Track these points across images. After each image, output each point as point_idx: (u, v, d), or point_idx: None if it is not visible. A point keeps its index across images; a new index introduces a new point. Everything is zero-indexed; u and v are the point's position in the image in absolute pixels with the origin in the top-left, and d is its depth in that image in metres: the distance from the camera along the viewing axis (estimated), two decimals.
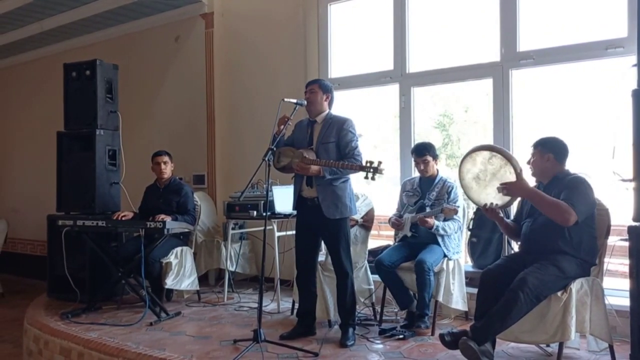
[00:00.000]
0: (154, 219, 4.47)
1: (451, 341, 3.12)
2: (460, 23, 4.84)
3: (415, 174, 4.33)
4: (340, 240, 3.63)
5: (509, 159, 3.15)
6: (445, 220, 3.91)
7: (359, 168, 3.39)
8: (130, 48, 6.61)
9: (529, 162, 3.31)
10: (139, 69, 6.49)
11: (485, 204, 3.26)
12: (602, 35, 3.96)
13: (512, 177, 3.15)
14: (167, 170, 4.97)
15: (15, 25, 6.71)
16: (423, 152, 4.03)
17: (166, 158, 4.97)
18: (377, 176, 3.29)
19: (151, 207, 4.86)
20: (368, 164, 3.31)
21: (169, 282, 4.66)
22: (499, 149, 3.27)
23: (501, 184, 3.13)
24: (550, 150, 3.23)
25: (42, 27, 6.65)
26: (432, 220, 3.85)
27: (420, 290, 3.76)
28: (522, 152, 4.27)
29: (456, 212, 3.84)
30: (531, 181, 3.30)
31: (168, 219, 4.49)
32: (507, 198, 3.20)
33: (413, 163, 4.28)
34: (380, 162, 3.28)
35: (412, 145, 4.48)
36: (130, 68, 6.15)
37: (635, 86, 2.91)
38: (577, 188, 3.10)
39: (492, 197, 3.24)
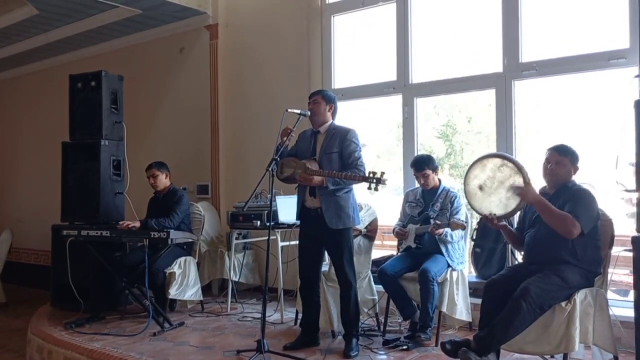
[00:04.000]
0: (119, 226, 4.60)
1: (452, 350, 3.11)
2: (463, 34, 4.86)
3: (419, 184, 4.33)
4: (343, 251, 3.63)
5: (520, 169, 3.14)
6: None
7: (362, 179, 3.40)
8: (136, 59, 6.66)
9: (549, 166, 3.25)
10: (144, 80, 6.53)
11: (489, 214, 3.25)
12: (605, 47, 3.97)
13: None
14: (159, 182, 4.95)
15: (22, 37, 6.78)
16: (422, 166, 4.02)
17: (155, 172, 4.93)
18: (380, 187, 3.29)
19: (153, 216, 4.86)
20: (371, 175, 3.32)
21: (173, 293, 4.66)
22: (511, 158, 3.28)
23: (513, 186, 3.11)
24: (576, 162, 3.24)
25: (49, 38, 6.71)
26: (441, 229, 3.85)
27: (424, 300, 3.74)
28: (526, 161, 4.28)
29: (464, 227, 3.84)
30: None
31: (137, 224, 4.57)
32: (510, 208, 3.18)
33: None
34: (383, 173, 3.29)
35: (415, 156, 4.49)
36: (136, 79, 6.19)
37: (638, 97, 2.92)
38: (581, 200, 3.11)
39: (495, 205, 3.22)
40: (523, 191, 3.09)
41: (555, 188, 3.26)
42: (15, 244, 6.96)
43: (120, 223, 4.70)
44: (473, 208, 3.38)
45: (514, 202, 3.15)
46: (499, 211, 3.21)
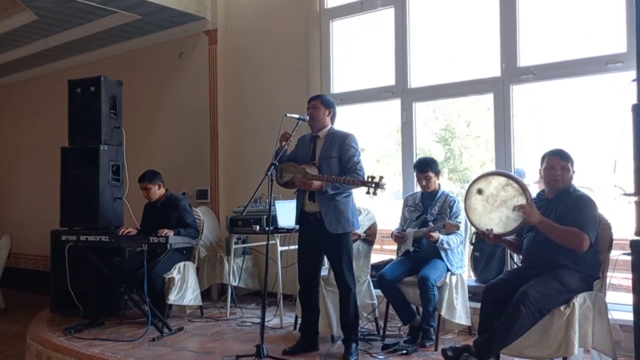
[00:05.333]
0: (158, 234, 4.48)
1: (453, 356, 3.12)
2: (461, 38, 4.88)
3: (418, 188, 4.34)
4: (342, 255, 3.63)
5: (524, 189, 3.17)
6: (447, 234, 3.91)
7: (360, 183, 3.41)
8: (135, 64, 6.67)
9: (554, 172, 3.23)
10: (143, 85, 6.54)
11: (487, 230, 3.25)
12: (602, 51, 3.98)
13: None
14: (152, 194, 4.91)
15: (22, 42, 6.79)
16: (425, 168, 4.04)
17: (147, 185, 4.88)
18: (378, 191, 3.30)
19: (151, 224, 4.83)
20: (370, 179, 3.32)
21: (172, 297, 4.65)
22: (516, 178, 3.29)
23: (517, 205, 3.13)
24: (574, 165, 3.25)
25: (48, 44, 6.73)
26: (437, 234, 3.85)
27: (424, 304, 3.76)
28: (523, 165, 4.30)
29: (458, 227, 3.84)
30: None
31: (171, 233, 4.49)
32: (510, 227, 3.20)
33: (415, 178, 4.29)
34: (381, 177, 3.30)
35: (414, 160, 4.50)
36: (135, 84, 6.20)
37: (635, 101, 2.93)
38: (583, 209, 3.11)
39: (494, 223, 3.24)
40: (527, 210, 3.10)
41: (555, 193, 3.26)
42: (14, 249, 6.96)
43: (159, 231, 4.49)
44: (471, 222, 3.39)
45: (514, 222, 3.18)
46: (498, 229, 3.23)
